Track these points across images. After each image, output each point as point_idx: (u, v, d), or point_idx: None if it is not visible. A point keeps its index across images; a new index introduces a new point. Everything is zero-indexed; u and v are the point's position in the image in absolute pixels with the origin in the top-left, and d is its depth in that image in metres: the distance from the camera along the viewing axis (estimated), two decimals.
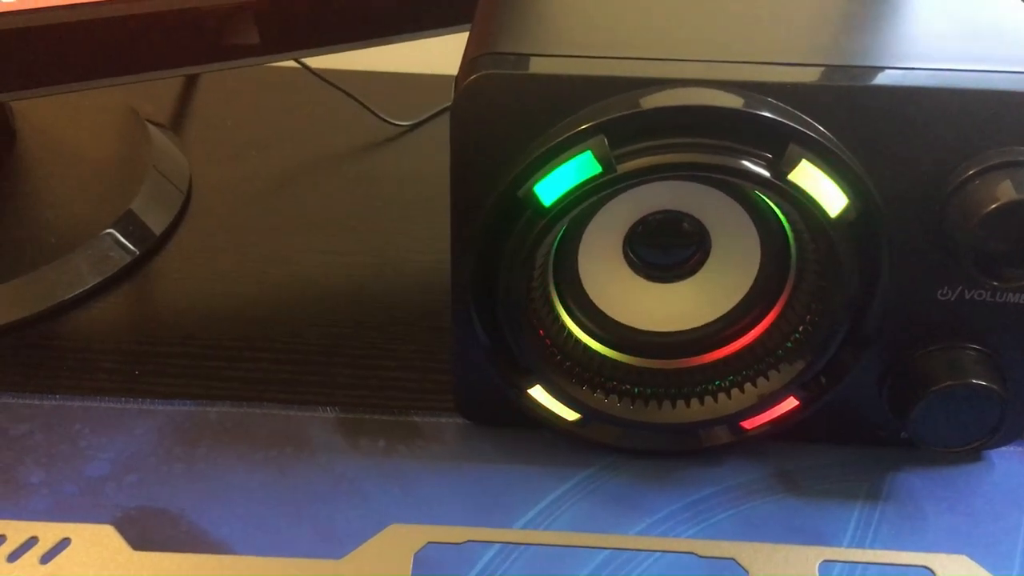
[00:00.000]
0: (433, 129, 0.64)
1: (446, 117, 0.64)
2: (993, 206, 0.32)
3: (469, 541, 0.35)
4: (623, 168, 0.33)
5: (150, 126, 0.59)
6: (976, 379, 0.36)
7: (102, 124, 0.59)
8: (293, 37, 0.50)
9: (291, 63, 0.60)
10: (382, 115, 0.63)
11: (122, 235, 0.51)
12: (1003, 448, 0.42)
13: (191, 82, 0.67)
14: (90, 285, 0.49)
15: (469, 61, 0.34)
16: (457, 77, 0.34)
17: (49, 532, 0.34)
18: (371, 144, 0.62)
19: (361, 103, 0.63)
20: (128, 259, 0.51)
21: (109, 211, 0.52)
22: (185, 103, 0.66)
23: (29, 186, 0.54)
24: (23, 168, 0.55)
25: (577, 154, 0.33)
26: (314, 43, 0.51)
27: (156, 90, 0.64)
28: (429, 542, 0.34)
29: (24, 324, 0.47)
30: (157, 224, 0.53)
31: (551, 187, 0.33)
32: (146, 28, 0.46)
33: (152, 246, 0.52)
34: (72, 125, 0.59)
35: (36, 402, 0.42)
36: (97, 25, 0.45)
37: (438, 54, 0.60)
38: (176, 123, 0.63)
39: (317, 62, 0.63)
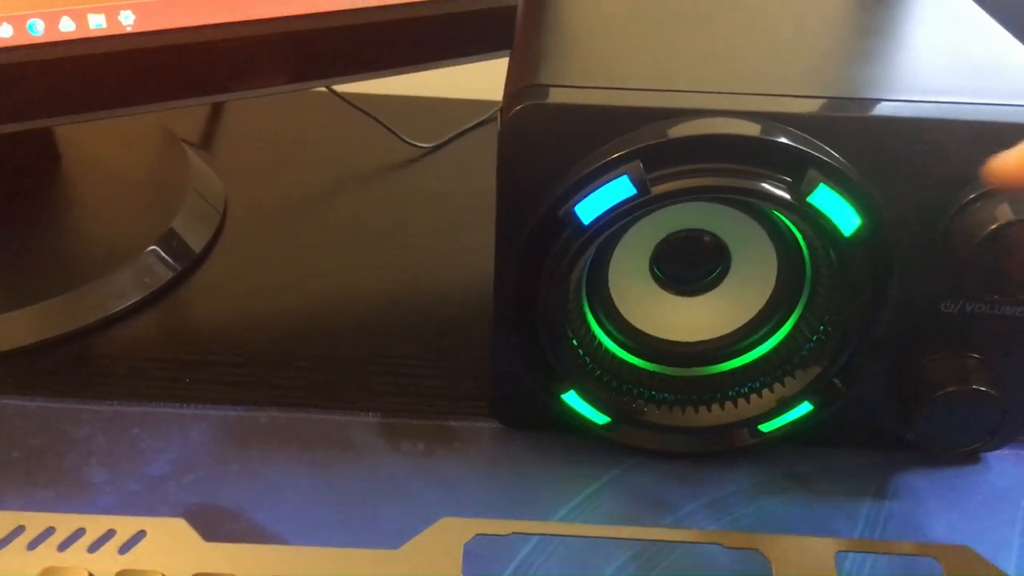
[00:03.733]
0: (454, 150, 0.67)
1: (466, 139, 0.67)
2: (993, 227, 0.35)
3: (514, 533, 0.38)
4: (656, 190, 0.36)
5: (187, 147, 0.62)
6: (976, 385, 0.39)
7: (142, 146, 0.62)
8: (324, 66, 0.53)
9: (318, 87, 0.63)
10: (405, 137, 0.66)
11: (165, 252, 0.54)
12: (1000, 451, 0.45)
13: (219, 104, 0.70)
14: (136, 299, 0.52)
15: (513, 92, 0.37)
16: (502, 107, 0.37)
17: (125, 525, 0.37)
18: (395, 164, 0.65)
19: (385, 125, 0.66)
20: (171, 274, 0.54)
21: (152, 229, 0.55)
22: (214, 124, 0.68)
23: (74, 206, 0.57)
24: (68, 189, 0.58)
25: (614, 177, 0.36)
26: (344, 71, 0.54)
27: (186, 111, 0.67)
28: (477, 534, 0.37)
29: (76, 336, 0.49)
30: (196, 241, 0.56)
31: (590, 207, 0.36)
32: (187, 58, 0.49)
33: (192, 262, 0.55)
34: (113, 148, 0.61)
35: (95, 407, 0.45)
36: (141, 54, 0.47)
37: (457, 79, 0.63)
38: (207, 144, 0.66)
39: (341, 86, 0.66)
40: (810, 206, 0.36)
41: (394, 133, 0.66)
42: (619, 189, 0.36)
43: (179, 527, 0.36)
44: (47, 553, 0.35)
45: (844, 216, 0.36)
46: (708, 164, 0.36)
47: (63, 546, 0.36)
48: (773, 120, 0.36)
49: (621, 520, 0.41)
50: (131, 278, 0.52)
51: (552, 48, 0.41)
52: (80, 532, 0.36)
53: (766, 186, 0.36)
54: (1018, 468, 0.44)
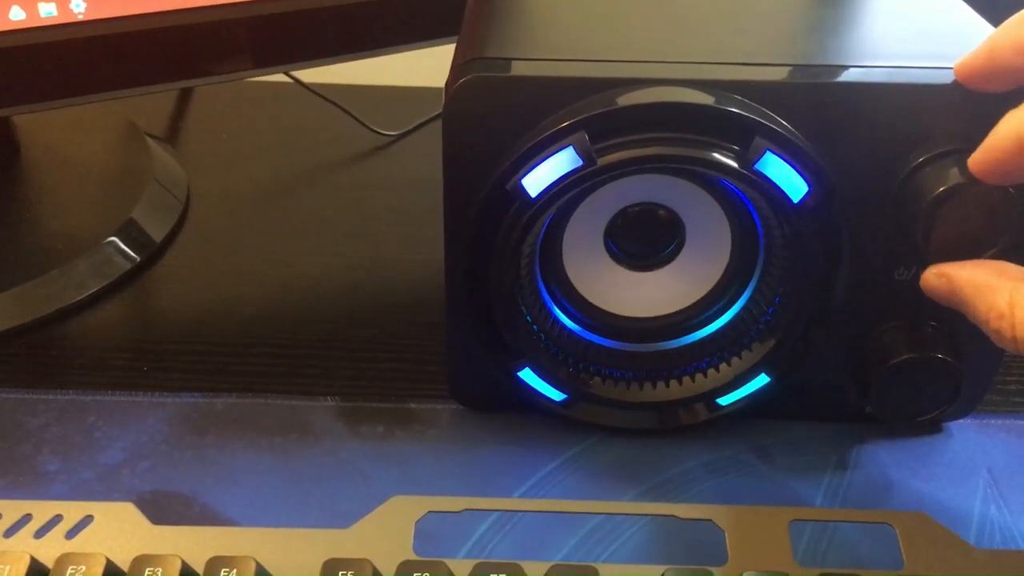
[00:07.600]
0: (418, 138, 0.66)
1: (431, 127, 0.67)
2: (942, 188, 0.35)
3: (467, 510, 0.37)
4: (603, 161, 0.36)
5: (148, 139, 0.61)
6: (932, 352, 0.39)
7: (103, 137, 0.62)
8: (284, 51, 0.53)
9: (282, 77, 0.63)
10: (370, 125, 0.65)
11: (124, 242, 0.54)
12: (961, 420, 0.44)
13: (185, 96, 0.70)
14: (94, 290, 0.51)
15: (458, 66, 0.37)
16: (447, 81, 0.37)
17: (72, 510, 0.36)
18: (360, 153, 0.65)
19: (350, 114, 0.65)
20: (129, 265, 0.53)
21: (111, 220, 0.54)
22: (179, 117, 0.68)
23: (34, 196, 0.57)
24: (27, 179, 0.57)
25: (560, 149, 0.36)
26: (304, 56, 0.54)
27: (152, 104, 0.67)
28: (429, 511, 0.37)
29: (33, 326, 0.49)
30: (157, 232, 0.56)
31: (537, 180, 0.36)
32: (142, 44, 0.48)
33: (153, 253, 0.55)
34: (74, 138, 0.61)
35: (51, 397, 0.45)
36: (95, 42, 0.47)
37: (421, 67, 0.62)
38: (171, 136, 0.66)
39: (306, 76, 0.66)
40: (757, 174, 0.36)
41: (359, 121, 0.65)
42: (565, 160, 0.36)
43: (127, 511, 0.36)
44: None
45: (792, 183, 0.36)
46: (655, 134, 0.36)
47: (9, 532, 0.35)
48: (720, 88, 0.36)
49: (580, 498, 0.40)
50: (89, 268, 0.52)
51: (498, 23, 0.40)
52: (27, 518, 0.36)
53: (713, 154, 0.36)
54: (980, 437, 0.44)
